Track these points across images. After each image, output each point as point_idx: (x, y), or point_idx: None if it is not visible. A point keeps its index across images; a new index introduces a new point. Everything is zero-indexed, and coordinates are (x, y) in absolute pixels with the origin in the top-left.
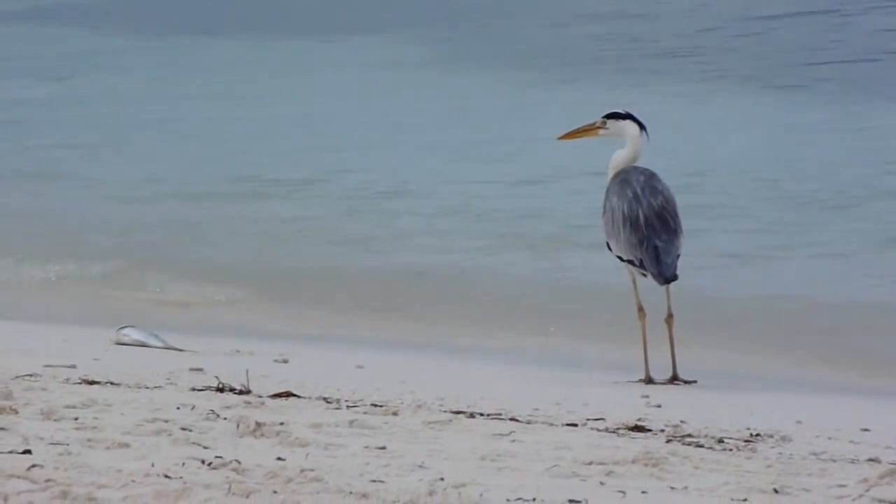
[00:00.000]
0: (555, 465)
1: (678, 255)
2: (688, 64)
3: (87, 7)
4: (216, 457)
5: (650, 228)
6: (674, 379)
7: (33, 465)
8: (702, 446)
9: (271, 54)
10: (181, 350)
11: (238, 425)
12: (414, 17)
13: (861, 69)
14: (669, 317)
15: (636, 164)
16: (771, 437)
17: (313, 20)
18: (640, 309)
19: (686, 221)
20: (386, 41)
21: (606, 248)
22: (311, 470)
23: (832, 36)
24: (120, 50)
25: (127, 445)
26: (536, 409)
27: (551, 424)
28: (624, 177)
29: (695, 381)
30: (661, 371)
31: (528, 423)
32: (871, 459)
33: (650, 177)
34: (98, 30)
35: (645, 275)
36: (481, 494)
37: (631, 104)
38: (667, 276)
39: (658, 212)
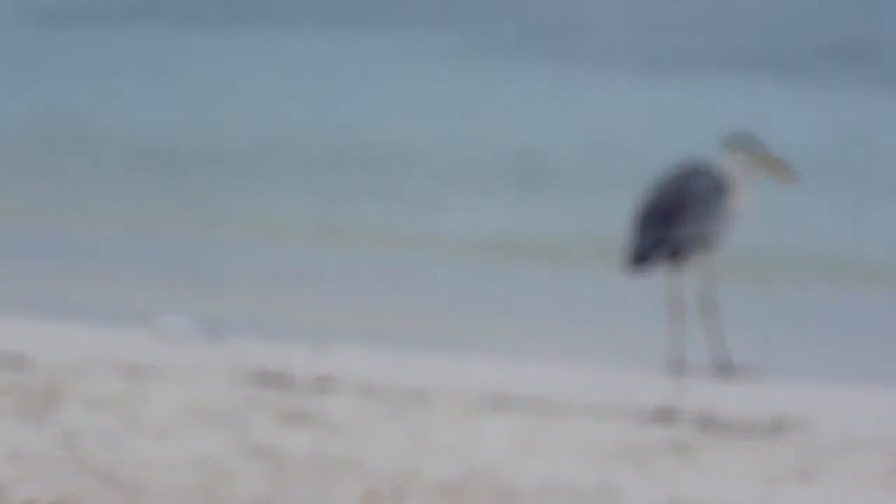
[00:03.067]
0: (587, 452)
1: (665, 241)
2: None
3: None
4: (256, 444)
5: (644, 219)
6: (723, 367)
7: (77, 453)
8: (730, 433)
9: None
10: (222, 339)
11: (277, 413)
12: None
13: None
14: (707, 300)
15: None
16: (797, 422)
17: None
18: (677, 296)
19: None
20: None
21: None
22: (349, 456)
23: None
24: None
25: (169, 433)
26: (569, 396)
27: (584, 411)
28: (670, 167)
29: (763, 372)
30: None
31: (561, 410)
32: None
33: (692, 166)
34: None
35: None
36: (516, 479)
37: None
38: (632, 259)
39: (662, 198)
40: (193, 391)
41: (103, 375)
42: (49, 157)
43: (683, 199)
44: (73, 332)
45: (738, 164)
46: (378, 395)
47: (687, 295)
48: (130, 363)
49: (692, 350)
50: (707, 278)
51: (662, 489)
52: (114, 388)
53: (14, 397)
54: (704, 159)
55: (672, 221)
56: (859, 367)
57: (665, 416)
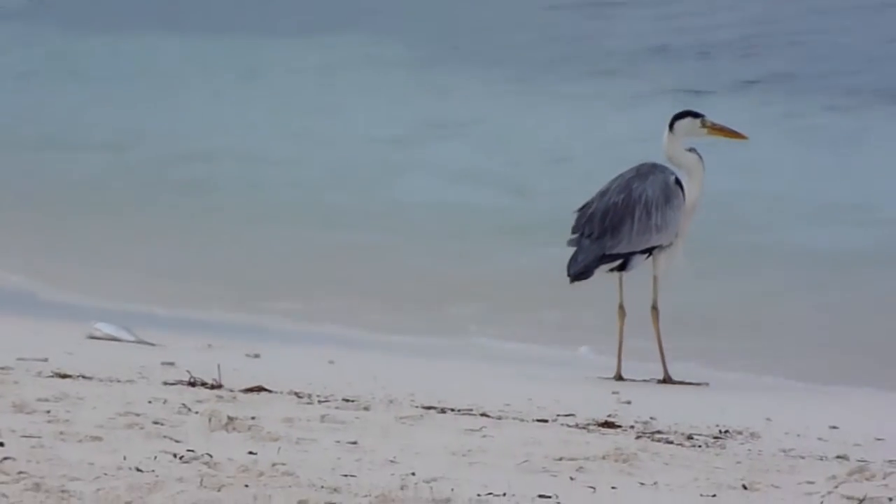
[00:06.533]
0: (525, 461)
1: (606, 255)
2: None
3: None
4: (188, 450)
5: (588, 224)
6: (665, 380)
7: (5, 458)
8: (671, 443)
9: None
10: (153, 344)
11: (210, 419)
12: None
13: None
14: (653, 308)
15: (655, 161)
16: (740, 433)
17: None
18: (621, 307)
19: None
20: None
21: None
22: (283, 464)
23: None
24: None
25: (99, 439)
26: (507, 405)
27: (522, 420)
28: (624, 171)
29: (706, 384)
30: (635, 371)
31: (499, 418)
32: (839, 457)
33: (641, 175)
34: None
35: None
36: (452, 489)
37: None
38: (570, 274)
39: (605, 210)
40: (125, 396)
41: (32, 379)
42: None
43: (629, 211)
44: (0, 332)
45: (688, 141)
46: (313, 402)
47: (630, 301)
48: (61, 367)
49: (637, 358)
50: (653, 284)
51: (602, 499)
52: (43, 392)
53: None
54: (655, 164)
55: (617, 236)
56: (813, 373)
57: (606, 424)
